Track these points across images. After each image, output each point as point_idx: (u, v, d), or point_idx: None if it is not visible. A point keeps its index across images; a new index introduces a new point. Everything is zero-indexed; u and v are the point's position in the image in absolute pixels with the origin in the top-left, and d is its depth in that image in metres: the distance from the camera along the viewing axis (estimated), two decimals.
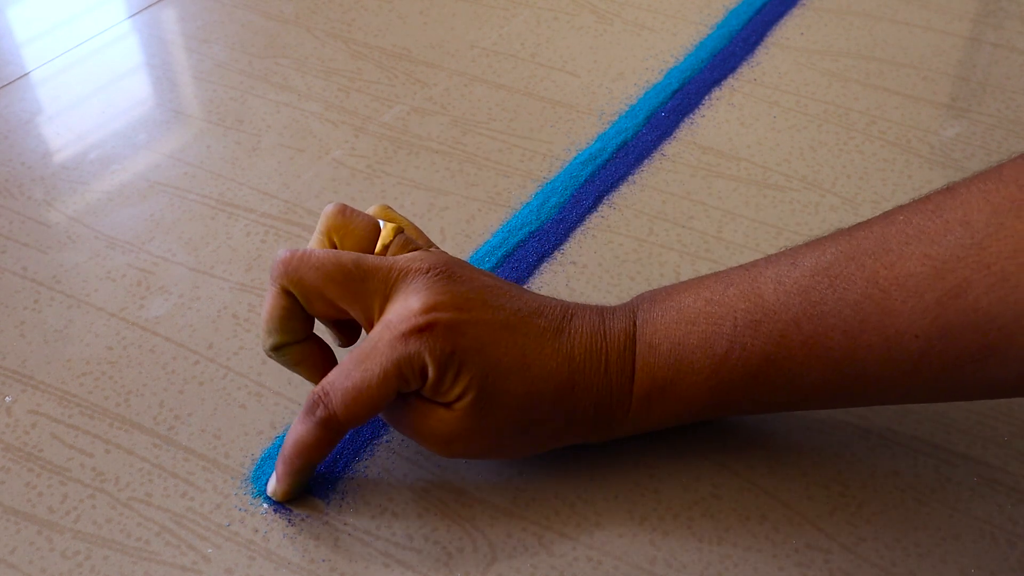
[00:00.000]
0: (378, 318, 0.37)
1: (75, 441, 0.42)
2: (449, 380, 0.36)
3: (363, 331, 0.40)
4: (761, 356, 0.36)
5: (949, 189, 0.35)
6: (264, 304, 0.38)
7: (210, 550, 0.38)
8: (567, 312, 0.38)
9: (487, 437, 0.37)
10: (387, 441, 0.41)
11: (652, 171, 0.56)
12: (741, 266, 0.38)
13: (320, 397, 0.36)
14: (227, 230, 0.52)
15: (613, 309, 0.39)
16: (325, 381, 0.36)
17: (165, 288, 0.49)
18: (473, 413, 0.36)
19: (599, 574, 0.37)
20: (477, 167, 0.56)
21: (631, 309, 0.39)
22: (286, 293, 0.38)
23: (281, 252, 0.37)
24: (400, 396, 0.37)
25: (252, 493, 0.39)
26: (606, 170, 0.55)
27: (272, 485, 0.39)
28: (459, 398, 0.36)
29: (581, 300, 0.47)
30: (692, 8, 0.70)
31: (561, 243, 0.51)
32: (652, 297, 0.39)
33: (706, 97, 0.61)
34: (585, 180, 0.55)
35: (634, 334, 0.38)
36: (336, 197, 0.54)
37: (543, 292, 0.48)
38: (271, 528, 0.38)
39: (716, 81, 0.62)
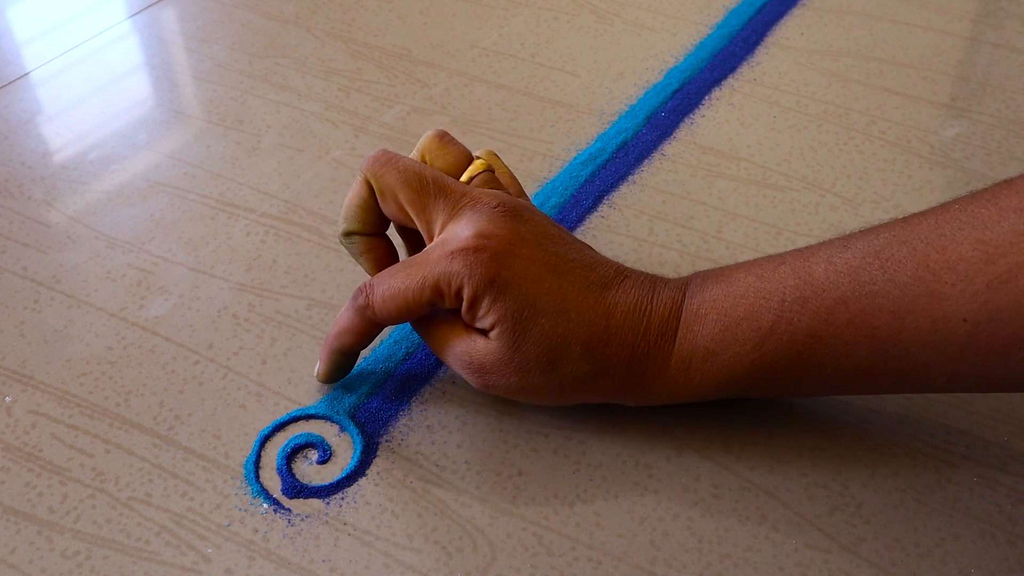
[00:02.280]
0: (438, 235, 0.39)
1: (75, 441, 0.42)
2: (483, 307, 0.37)
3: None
4: (807, 332, 0.36)
5: (1007, 181, 0.35)
6: (348, 196, 0.42)
7: (210, 550, 0.38)
8: (620, 273, 0.39)
9: (516, 371, 0.38)
10: (387, 441, 0.42)
11: (652, 171, 0.56)
12: (796, 249, 0.39)
13: (364, 287, 0.40)
14: (227, 230, 0.52)
15: (666, 279, 0.40)
16: (376, 276, 0.40)
17: (165, 288, 0.49)
18: (504, 344, 0.37)
19: (599, 574, 0.37)
20: None
21: (684, 281, 0.40)
22: (367, 186, 0.41)
23: (377, 150, 0.41)
24: (445, 320, 0.39)
25: (252, 493, 0.39)
26: (606, 170, 0.55)
27: (317, 367, 0.43)
28: (492, 327, 0.37)
29: None
30: (692, 8, 0.70)
31: None
32: (706, 273, 0.40)
33: (706, 97, 0.61)
34: (585, 180, 0.55)
35: (682, 303, 0.38)
36: (336, 197, 0.54)
37: None
38: (271, 528, 0.38)
39: (716, 81, 0.62)
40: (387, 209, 0.41)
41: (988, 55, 0.65)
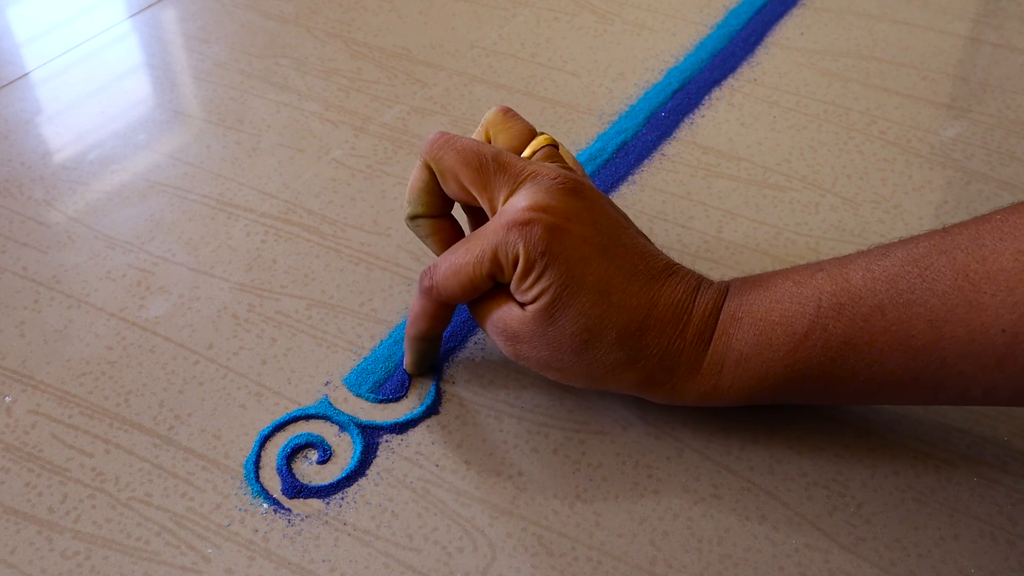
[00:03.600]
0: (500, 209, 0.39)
1: (75, 441, 0.42)
2: (532, 278, 0.37)
3: None
4: (842, 339, 0.36)
5: None
6: (410, 179, 0.42)
7: (210, 550, 0.38)
8: (669, 267, 0.39)
9: (548, 345, 0.38)
10: (387, 441, 0.42)
11: (652, 171, 0.56)
12: (834, 257, 0.39)
13: (429, 269, 0.40)
14: (227, 230, 0.52)
15: (711, 281, 0.40)
16: (440, 257, 0.40)
17: (165, 288, 0.49)
18: (542, 317, 0.38)
19: (599, 574, 0.37)
20: None
21: (725, 285, 0.40)
22: (428, 169, 0.41)
23: (433, 132, 0.41)
24: (492, 293, 0.39)
25: (252, 493, 0.39)
26: (606, 170, 0.55)
27: (405, 359, 0.44)
28: (534, 300, 0.38)
29: None
30: (692, 8, 0.70)
31: None
32: (746, 278, 0.40)
33: (706, 97, 0.61)
34: None
35: (721, 306, 0.38)
36: (336, 197, 0.54)
37: None
38: (271, 528, 0.38)
39: (716, 81, 0.62)
40: (449, 190, 0.41)
41: (988, 55, 0.65)
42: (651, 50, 0.66)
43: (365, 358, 0.45)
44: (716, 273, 0.49)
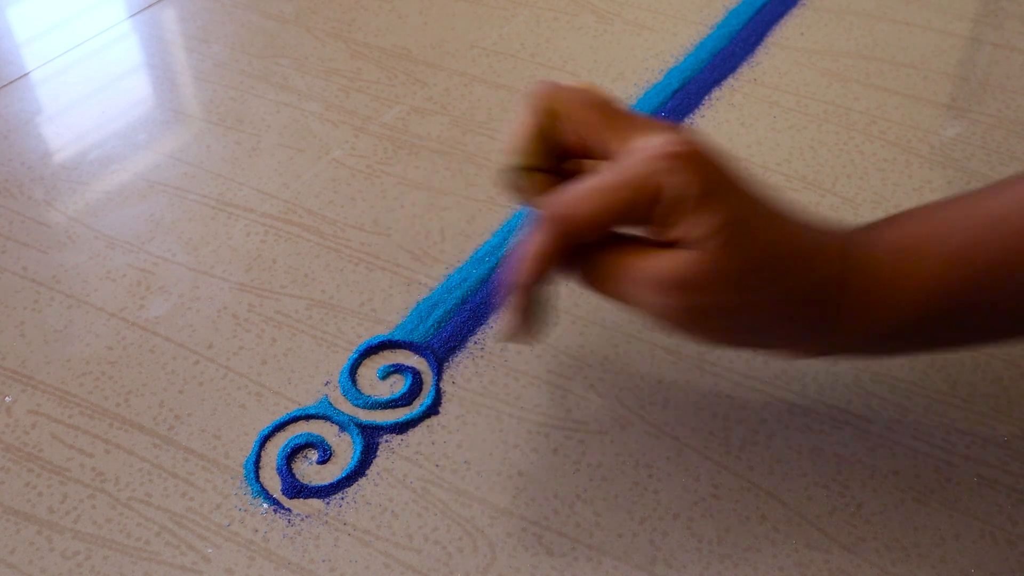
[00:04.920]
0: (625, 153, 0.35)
1: (75, 441, 0.42)
2: (693, 206, 0.33)
3: None
4: (999, 255, 0.34)
5: None
6: (511, 127, 0.37)
7: (210, 550, 0.38)
8: (803, 210, 0.37)
9: (734, 285, 0.34)
10: (386, 441, 0.42)
11: None
12: (986, 187, 0.37)
13: (548, 204, 0.34)
14: (227, 230, 0.52)
15: (856, 227, 0.37)
16: (562, 190, 0.35)
17: (165, 288, 0.49)
18: (721, 251, 0.33)
19: (599, 574, 0.37)
20: (477, 167, 0.56)
21: (873, 223, 0.37)
22: (538, 114, 0.36)
23: (536, 83, 0.37)
24: (622, 243, 0.35)
25: (252, 493, 0.39)
26: None
27: (503, 320, 0.37)
28: (705, 235, 0.33)
29: (581, 300, 0.47)
30: (692, 8, 0.70)
31: None
32: (895, 215, 0.37)
33: (706, 97, 0.61)
34: None
35: (867, 235, 0.36)
36: (336, 197, 0.54)
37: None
38: (271, 528, 0.38)
39: (716, 81, 0.62)
40: (565, 132, 0.36)
41: (988, 55, 0.65)
42: (651, 50, 0.66)
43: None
44: None
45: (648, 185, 0.33)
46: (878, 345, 0.37)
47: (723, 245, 0.33)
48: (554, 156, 0.37)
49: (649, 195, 0.33)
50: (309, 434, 0.42)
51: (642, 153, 0.34)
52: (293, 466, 0.41)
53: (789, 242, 0.34)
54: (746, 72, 0.63)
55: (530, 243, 0.35)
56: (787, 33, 0.67)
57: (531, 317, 0.36)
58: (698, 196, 0.33)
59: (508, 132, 0.38)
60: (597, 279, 0.35)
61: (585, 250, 0.35)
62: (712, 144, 0.35)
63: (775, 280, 0.34)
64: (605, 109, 0.36)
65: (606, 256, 0.35)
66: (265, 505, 0.39)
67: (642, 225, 0.34)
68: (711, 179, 0.33)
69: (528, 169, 0.37)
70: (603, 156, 0.36)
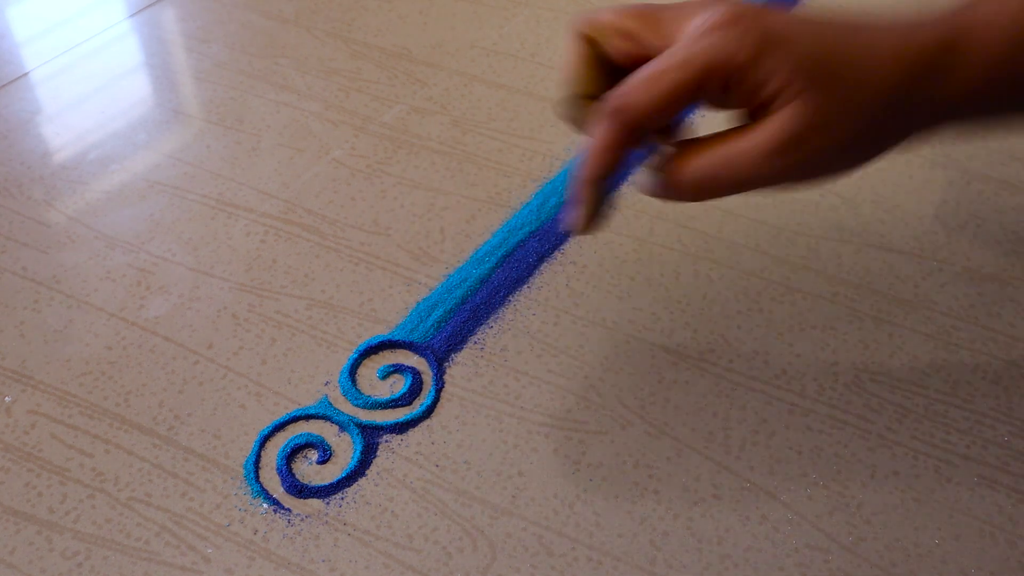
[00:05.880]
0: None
1: (75, 441, 0.42)
2: (749, 68, 0.33)
3: None
4: None
5: None
6: (563, 57, 0.38)
7: (210, 550, 0.38)
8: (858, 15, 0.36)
9: (840, 123, 0.33)
10: (386, 441, 0.42)
11: None
12: None
13: (612, 96, 0.34)
14: (227, 230, 0.52)
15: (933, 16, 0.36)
16: (624, 82, 0.35)
17: (165, 288, 0.49)
18: (807, 93, 0.32)
19: (599, 574, 0.37)
20: (477, 167, 0.56)
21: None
22: (583, 40, 0.37)
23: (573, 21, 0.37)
24: (711, 137, 0.35)
25: (252, 493, 0.39)
26: None
27: (571, 213, 0.37)
28: (784, 87, 0.33)
29: (581, 300, 0.47)
30: None
31: (561, 243, 0.51)
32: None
33: None
34: None
35: (953, 18, 0.35)
36: (336, 197, 0.54)
37: (543, 292, 0.48)
38: (271, 528, 0.38)
39: None
40: (614, 48, 0.36)
41: None
42: None
43: (357, 349, 0.45)
44: (716, 272, 0.49)
45: (697, 61, 0.33)
46: (974, 107, 0.36)
47: (807, 89, 0.32)
48: (608, 81, 0.37)
49: (702, 71, 0.33)
50: (309, 434, 0.42)
51: (694, 34, 0.34)
52: (293, 466, 0.41)
53: (871, 47, 0.33)
54: None
55: (595, 137, 0.35)
56: None
57: (597, 211, 0.36)
58: (754, 56, 0.32)
59: (560, 63, 0.38)
60: (692, 181, 0.35)
61: (673, 156, 0.35)
62: (757, 3, 0.34)
63: (870, 86, 0.33)
64: (642, 15, 0.36)
65: (697, 154, 0.35)
66: (265, 505, 0.39)
67: (710, 105, 0.34)
68: (761, 35, 0.33)
69: (584, 97, 0.37)
70: (656, 51, 0.35)
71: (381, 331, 0.46)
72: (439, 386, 0.44)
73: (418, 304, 0.47)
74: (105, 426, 0.42)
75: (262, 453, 0.41)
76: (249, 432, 0.42)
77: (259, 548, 0.38)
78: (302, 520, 0.39)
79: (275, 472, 0.40)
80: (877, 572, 0.37)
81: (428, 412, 0.43)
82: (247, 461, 0.41)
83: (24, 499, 0.39)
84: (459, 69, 0.64)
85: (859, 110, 0.33)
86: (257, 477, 0.40)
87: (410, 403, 0.43)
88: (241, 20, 0.69)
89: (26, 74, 0.64)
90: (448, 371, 0.44)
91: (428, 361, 0.45)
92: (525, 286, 0.48)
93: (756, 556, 0.37)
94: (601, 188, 0.36)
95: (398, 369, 0.44)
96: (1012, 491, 0.39)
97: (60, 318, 0.47)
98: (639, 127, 0.34)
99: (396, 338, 0.46)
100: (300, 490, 0.40)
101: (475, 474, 0.40)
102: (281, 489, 0.40)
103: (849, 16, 0.35)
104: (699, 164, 0.35)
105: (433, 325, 0.46)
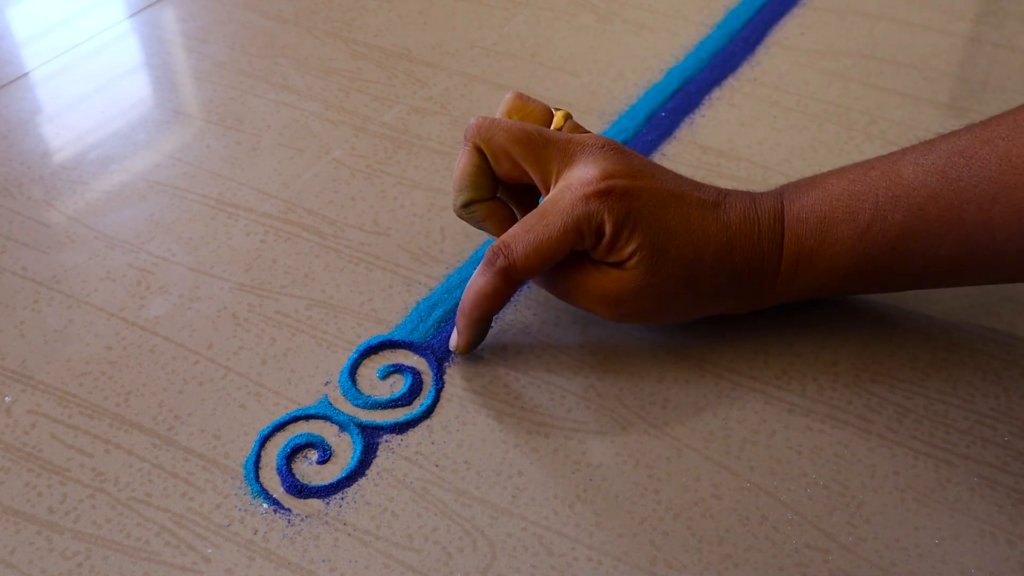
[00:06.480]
0: (554, 183, 0.42)
1: (75, 441, 0.42)
2: (624, 238, 0.40)
3: (541, 198, 0.45)
4: (900, 229, 0.40)
5: None
6: (457, 164, 0.44)
7: (210, 550, 0.38)
8: (721, 192, 0.43)
9: (654, 296, 0.41)
10: (386, 441, 0.42)
11: None
12: (879, 156, 0.42)
13: (501, 249, 0.41)
14: (227, 230, 0.52)
15: (761, 193, 0.43)
16: (506, 235, 0.41)
17: (165, 288, 0.49)
18: (644, 271, 0.40)
19: (599, 574, 0.37)
20: None
21: (778, 192, 0.43)
22: (477, 152, 0.43)
23: (475, 117, 0.43)
24: (572, 263, 0.41)
25: (251, 493, 0.39)
26: None
27: (454, 340, 0.44)
28: (631, 256, 0.40)
29: None
30: (692, 8, 0.70)
31: None
32: (796, 183, 0.43)
33: (706, 97, 0.61)
34: None
35: (782, 211, 0.42)
36: (336, 197, 0.54)
37: (542, 292, 0.48)
38: (271, 528, 0.38)
39: (716, 81, 0.62)
40: (501, 169, 0.43)
41: (988, 55, 0.65)
42: (651, 50, 0.66)
43: (357, 349, 0.45)
44: None
45: (586, 226, 0.40)
46: (799, 298, 0.44)
47: (645, 264, 0.40)
48: (495, 187, 0.44)
49: (590, 232, 0.40)
50: (309, 434, 0.42)
51: (572, 194, 0.40)
52: (293, 466, 0.41)
53: (700, 254, 0.40)
54: (746, 72, 0.63)
55: (482, 284, 0.41)
56: (787, 33, 0.67)
57: (479, 338, 0.43)
58: (626, 225, 0.40)
59: (454, 173, 0.44)
60: (552, 288, 0.43)
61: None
62: (631, 155, 0.42)
63: (691, 283, 0.41)
64: (530, 142, 0.42)
65: (558, 273, 0.42)
66: (265, 505, 0.39)
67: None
68: (633, 208, 0.40)
69: (476, 202, 0.44)
70: (538, 182, 0.42)
71: (381, 331, 0.46)
72: (439, 386, 0.44)
73: (418, 304, 0.47)
74: (105, 426, 0.42)
75: (262, 453, 0.41)
76: (249, 432, 0.42)
77: (259, 548, 0.38)
78: (302, 520, 0.39)
79: (275, 472, 0.40)
80: (877, 572, 0.37)
81: (428, 412, 0.43)
82: (247, 461, 0.41)
83: (24, 499, 0.39)
84: (459, 69, 0.64)
85: (683, 284, 0.41)
86: (257, 477, 0.40)
87: (410, 403, 0.43)
88: (241, 20, 0.69)
89: (26, 74, 0.64)
90: (448, 371, 0.44)
91: (428, 361, 0.45)
92: (524, 286, 0.48)
93: (756, 556, 0.37)
94: (485, 324, 0.43)
95: (398, 369, 0.44)
96: (1012, 491, 0.39)
97: (60, 318, 0.47)
98: (522, 281, 0.41)
99: (396, 338, 0.46)
100: (300, 490, 0.40)
101: (475, 474, 0.40)
102: (281, 489, 0.40)
103: (696, 188, 0.42)
104: (555, 281, 0.42)
105: (433, 325, 0.46)
